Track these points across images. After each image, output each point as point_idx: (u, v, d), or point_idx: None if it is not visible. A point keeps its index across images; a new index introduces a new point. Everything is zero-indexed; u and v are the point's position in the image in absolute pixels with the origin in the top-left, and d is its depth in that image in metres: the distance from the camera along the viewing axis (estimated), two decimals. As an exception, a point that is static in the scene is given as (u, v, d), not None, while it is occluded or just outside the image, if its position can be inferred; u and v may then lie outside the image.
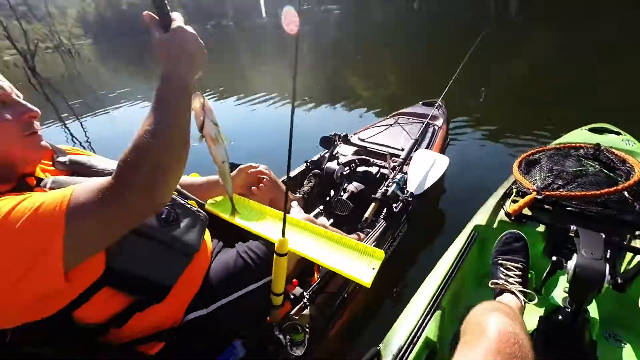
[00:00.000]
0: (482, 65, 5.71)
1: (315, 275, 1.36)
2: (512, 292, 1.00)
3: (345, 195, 1.88)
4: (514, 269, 1.06)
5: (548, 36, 9.00)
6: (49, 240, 0.55)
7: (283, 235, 0.93)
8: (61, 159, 0.84)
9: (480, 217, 1.38)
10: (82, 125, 6.13)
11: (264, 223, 1.23)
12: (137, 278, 0.78)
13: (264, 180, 1.41)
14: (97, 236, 0.60)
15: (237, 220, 1.23)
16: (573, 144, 1.45)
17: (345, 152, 2.23)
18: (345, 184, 1.97)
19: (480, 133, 3.48)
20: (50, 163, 0.84)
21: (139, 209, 0.61)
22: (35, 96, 9.72)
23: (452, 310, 1.14)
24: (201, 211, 1.01)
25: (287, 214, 0.96)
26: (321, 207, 2.00)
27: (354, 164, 2.05)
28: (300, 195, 1.94)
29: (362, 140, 2.33)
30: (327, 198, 1.97)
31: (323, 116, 4.88)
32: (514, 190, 1.38)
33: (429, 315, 1.04)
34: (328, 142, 2.08)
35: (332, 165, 1.94)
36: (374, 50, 10.96)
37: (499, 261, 1.10)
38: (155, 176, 0.59)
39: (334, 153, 2.08)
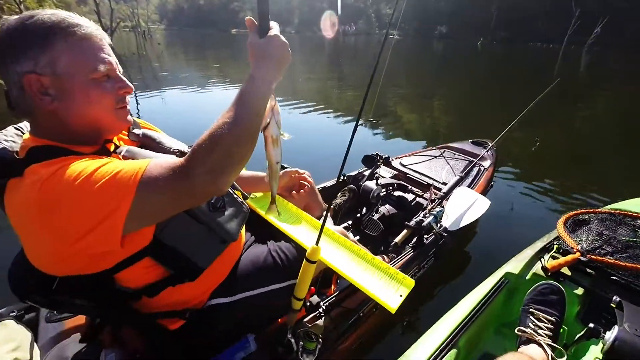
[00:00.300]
0: (542, 113, 5.53)
1: (332, 287, 1.36)
2: (540, 344, 0.95)
3: (376, 216, 1.88)
4: (546, 320, 1.03)
5: (616, 98, 8.50)
6: (118, 205, 0.60)
7: (317, 243, 0.96)
8: (136, 131, 0.92)
9: (513, 266, 1.34)
10: (136, 99, 6.62)
11: (299, 227, 1.27)
12: (177, 254, 0.83)
13: (305, 186, 1.45)
14: (159, 209, 0.66)
15: (274, 220, 1.27)
16: (631, 212, 1.38)
17: (384, 174, 2.24)
18: (379, 205, 1.96)
19: (525, 182, 3.34)
20: (126, 133, 0.93)
21: (203, 191, 0.65)
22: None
23: (468, 353, 1.11)
24: (244, 203, 1.05)
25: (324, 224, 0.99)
26: (349, 222, 2.00)
27: (391, 187, 2.05)
28: (332, 207, 1.96)
29: (404, 165, 2.33)
30: (358, 215, 1.97)
31: (365, 134, 4.91)
32: (555, 246, 1.33)
33: (444, 353, 1.01)
34: (370, 161, 2.09)
35: (371, 184, 1.95)
36: (429, 80, 10.92)
37: (531, 309, 1.07)
38: (224, 164, 0.64)
39: (373, 173, 2.08)
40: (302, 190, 1.44)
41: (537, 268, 1.30)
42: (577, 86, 9.32)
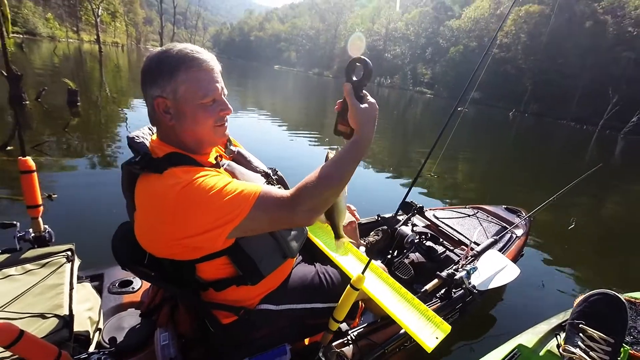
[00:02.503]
0: (573, 193, 5.49)
1: (357, 320, 1.42)
2: None
3: (407, 261, 1.94)
4: (602, 341, 0.87)
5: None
6: (234, 218, 0.76)
7: (363, 273, 1.05)
8: (232, 148, 1.10)
9: (527, 338, 1.31)
10: None
11: (345, 257, 1.37)
12: (249, 259, 0.95)
13: (353, 221, 1.57)
14: (259, 227, 0.81)
15: (323, 246, 1.38)
16: None
17: (417, 222, 2.32)
18: (410, 252, 2.03)
19: (555, 258, 3.31)
20: (223, 149, 1.09)
21: (296, 222, 0.81)
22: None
23: None
24: (305, 227, 1.18)
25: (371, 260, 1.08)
26: (379, 261, 2.07)
27: (424, 237, 2.11)
28: (365, 244, 2.04)
29: (437, 218, 2.40)
30: (388, 256, 2.03)
31: (397, 183, 5.03)
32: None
33: None
34: (408, 208, 2.19)
35: (406, 230, 2.03)
36: (458, 140, 11.11)
37: (581, 325, 0.93)
38: (321, 206, 0.80)
39: (409, 219, 2.17)
40: (347, 225, 1.55)
41: (551, 345, 1.26)
42: (611, 172, 9.21)
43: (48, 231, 1.20)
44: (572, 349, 0.89)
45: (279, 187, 1.02)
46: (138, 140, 0.90)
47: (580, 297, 1.18)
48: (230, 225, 0.76)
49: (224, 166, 0.98)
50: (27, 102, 5.97)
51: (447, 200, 4.68)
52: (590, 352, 0.86)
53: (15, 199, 2.75)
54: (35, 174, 1.14)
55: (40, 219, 1.18)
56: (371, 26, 62.96)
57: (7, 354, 0.78)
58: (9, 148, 3.73)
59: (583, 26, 31.35)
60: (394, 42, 57.70)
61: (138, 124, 5.75)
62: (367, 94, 0.81)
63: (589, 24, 31.38)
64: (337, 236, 1.01)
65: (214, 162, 0.96)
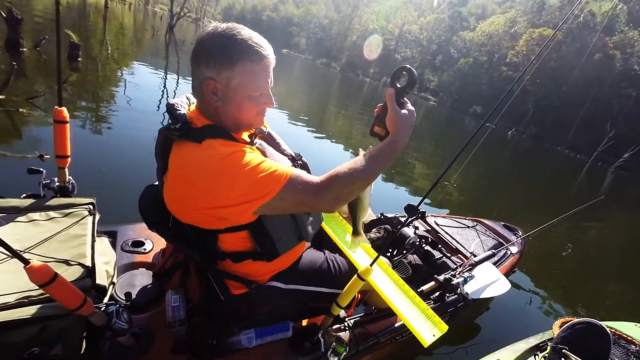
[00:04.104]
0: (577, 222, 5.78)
1: (352, 309, 1.48)
2: None
3: (405, 261, 1.99)
4: None
5: (630, 222, 8.64)
6: (265, 194, 0.78)
7: (371, 265, 1.09)
8: (262, 128, 1.11)
9: (505, 355, 1.36)
10: (177, 81, 7.04)
11: (355, 249, 1.41)
12: (268, 237, 0.98)
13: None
14: (285, 208, 0.83)
15: (334, 236, 1.42)
16: (625, 335, 1.39)
17: (418, 226, 2.37)
18: (408, 253, 2.08)
19: (544, 280, 3.45)
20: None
21: (321, 208, 0.83)
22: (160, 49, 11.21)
23: None
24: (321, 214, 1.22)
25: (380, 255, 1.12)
26: (387, 260, 2.12)
27: (424, 240, 2.17)
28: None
29: (437, 224, 2.46)
30: (387, 254, 2.08)
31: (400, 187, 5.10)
32: (548, 347, 1.31)
33: None
34: (412, 211, 2.23)
35: (409, 231, 2.08)
36: (453, 149, 11.26)
37: (564, 351, 0.95)
38: (347, 196, 0.83)
39: (412, 222, 2.22)
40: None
41: None
42: (603, 204, 9.49)
43: (72, 182, 1.20)
44: None
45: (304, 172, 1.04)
46: (178, 109, 0.90)
47: (562, 322, 1.21)
48: (260, 201, 0.78)
49: (256, 145, 1.00)
50: (25, 49, 5.60)
51: (453, 209, 4.79)
52: None
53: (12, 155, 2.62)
54: (68, 124, 1.13)
55: (66, 170, 1.18)
56: (385, 25, 62.30)
57: (37, 292, 0.79)
58: (1, 97, 3.46)
59: (592, 57, 31.68)
60: (406, 45, 57.35)
61: (136, 87, 5.58)
62: (408, 101, 0.85)
63: (598, 56, 31.73)
64: (356, 232, 1.06)
65: (248, 139, 0.97)
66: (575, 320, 1.02)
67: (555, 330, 1.38)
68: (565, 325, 1.05)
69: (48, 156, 2.60)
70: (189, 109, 0.92)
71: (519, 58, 36.84)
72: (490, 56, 42.07)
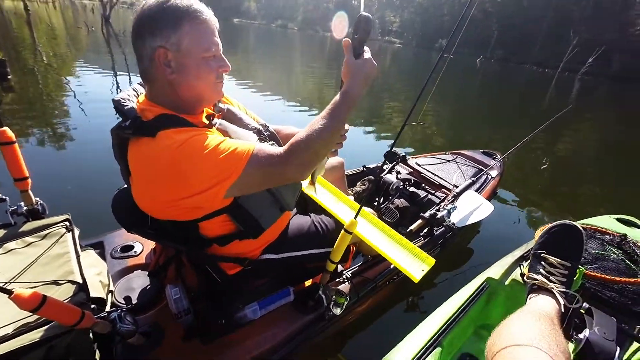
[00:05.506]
0: (553, 135, 6.01)
1: (349, 261, 1.55)
2: (552, 293, 0.89)
3: (392, 206, 2.06)
4: (560, 266, 0.94)
5: (600, 125, 9.03)
6: (229, 175, 0.77)
7: (355, 217, 1.12)
8: (221, 105, 1.06)
9: (495, 271, 1.41)
10: (129, 78, 6.62)
11: (337, 205, 1.45)
12: (249, 215, 0.99)
13: (341, 168, 1.63)
14: (254, 184, 0.82)
15: (317, 197, 1.44)
16: (599, 228, 1.47)
17: (401, 170, 2.43)
18: (394, 198, 2.14)
19: (528, 194, 3.63)
20: (212, 106, 1.06)
21: (290, 177, 0.82)
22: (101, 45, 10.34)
23: (449, 352, 1.16)
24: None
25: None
26: (371, 210, 2.18)
27: (407, 183, 2.23)
28: (352, 193, 2.13)
29: (419, 165, 2.52)
30: (375, 203, 2.15)
31: (379, 135, 5.12)
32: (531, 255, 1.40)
33: (429, 351, 1.05)
34: (392, 157, 2.27)
35: (391, 177, 2.13)
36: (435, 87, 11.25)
37: (543, 254, 0.99)
38: (311, 160, 0.81)
39: (393, 168, 2.26)
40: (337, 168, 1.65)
41: (516, 275, 1.36)
42: (574, 112, 9.79)
43: (40, 203, 1.16)
44: (535, 276, 0.95)
45: (272, 143, 1.03)
46: (125, 104, 0.85)
47: (541, 229, 1.24)
48: (227, 182, 0.77)
49: (216, 125, 0.96)
50: None
51: (432, 147, 4.87)
52: (551, 277, 0.93)
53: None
54: (16, 144, 1.07)
55: (30, 192, 1.13)
56: (336, -31, 58.87)
57: (33, 318, 0.80)
58: None
59: (549, -34, 31.02)
60: (360, -12, 54.66)
61: (86, 92, 5.22)
62: (367, 50, 0.83)
63: (554, -37, 31.10)
64: (312, 182, 1.06)
65: (207, 121, 0.94)
66: (551, 224, 1.05)
67: (537, 238, 1.47)
68: (542, 231, 1.08)
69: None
70: (137, 101, 0.88)
71: (476, -21, 35.69)
72: (447, -17, 40.64)
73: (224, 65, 0.87)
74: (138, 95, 0.92)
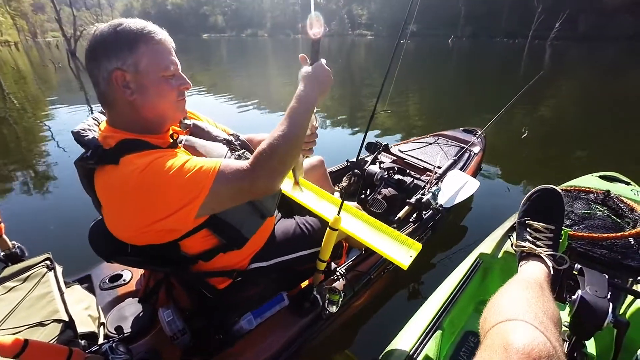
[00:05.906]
0: (531, 105, 6.12)
1: (343, 258, 1.55)
2: (541, 258, 0.89)
3: (379, 197, 2.07)
4: (545, 230, 0.95)
5: (576, 86, 9.19)
6: (197, 195, 0.76)
7: (338, 214, 1.12)
8: (187, 121, 1.06)
9: (486, 246, 1.42)
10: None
11: (320, 203, 1.44)
12: (230, 227, 0.98)
13: (322, 166, 1.63)
14: (226, 200, 0.81)
15: (299, 198, 1.43)
16: (583, 188, 1.50)
17: (384, 159, 2.43)
18: (381, 188, 2.15)
19: (514, 166, 3.67)
20: (178, 124, 1.05)
21: (261, 189, 0.81)
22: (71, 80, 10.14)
23: (451, 333, 1.17)
24: None
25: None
26: (355, 203, 2.19)
27: (392, 171, 2.24)
28: (338, 190, 2.13)
29: (402, 152, 2.53)
30: (362, 196, 2.15)
31: (357, 127, 5.14)
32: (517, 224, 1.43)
33: (430, 334, 1.05)
34: (373, 148, 2.28)
35: (374, 168, 2.13)
36: (406, 76, 11.34)
37: (527, 221, 0.99)
38: (278, 168, 0.80)
39: (376, 158, 2.27)
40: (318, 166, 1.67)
41: (507, 246, 1.35)
42: (547, 78, 9.93)
43: (18, 246, 1.14)
44: (522, 244, 0.96)
45: (243, 152, 1.02)
46: (85, 135, 0.84)
47: (525, 198, 1.24)
48: (196, 202, 0.76)
49: (183, 142, 0.95)
50: None
51: (414, 132, 4.88)
52: (537, 242, 0.94)
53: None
54: None
55: (5, 237, 1.11)
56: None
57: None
58: None
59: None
60: (323, -15, 54.93)
61: (65, 131, 5.04)
62: (321, 60, 0.87)
63: None
64: (295, 183, 1.04)
65: (171, 140, 0.92)
66: (530, 191, 1.06)
67: (520, 207, 1.47)
68: (524, 199, 1.09)
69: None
70: (99, 129, 0.87)
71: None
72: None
73: (184, 83, 0.87)
74: (99, 124, 0.91)
